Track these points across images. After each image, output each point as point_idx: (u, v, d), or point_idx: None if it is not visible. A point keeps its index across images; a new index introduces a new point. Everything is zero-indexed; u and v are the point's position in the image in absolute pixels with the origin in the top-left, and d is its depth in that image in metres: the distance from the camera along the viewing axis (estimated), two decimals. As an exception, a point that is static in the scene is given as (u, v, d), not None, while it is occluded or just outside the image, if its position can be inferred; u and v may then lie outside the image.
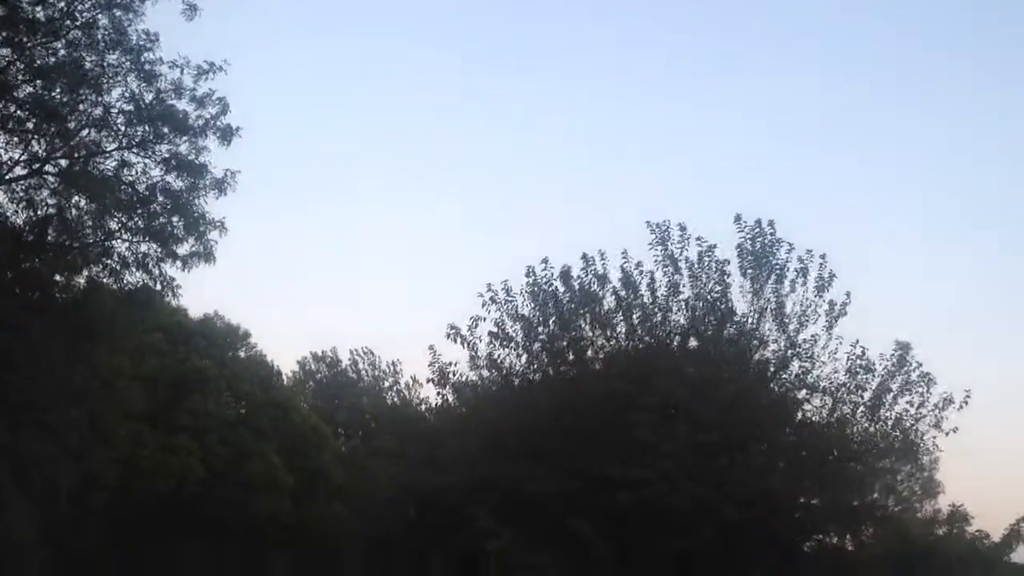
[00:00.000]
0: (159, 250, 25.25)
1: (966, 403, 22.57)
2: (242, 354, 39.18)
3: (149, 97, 24.76)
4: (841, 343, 23.15)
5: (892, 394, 22.90)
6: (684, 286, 23.67)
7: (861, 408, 22.88)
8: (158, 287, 25.65)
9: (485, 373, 24.89)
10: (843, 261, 24.07)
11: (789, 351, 23.37)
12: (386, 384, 43.79)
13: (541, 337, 24.24)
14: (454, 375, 24.93)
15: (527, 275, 24.22)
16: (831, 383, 23.14)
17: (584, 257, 24.14)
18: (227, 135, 25.24)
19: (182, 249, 25.27)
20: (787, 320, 23.35)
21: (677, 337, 23.80)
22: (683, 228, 23.75)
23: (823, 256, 23.40)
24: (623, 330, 24.01)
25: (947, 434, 22.87)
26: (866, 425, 22.88)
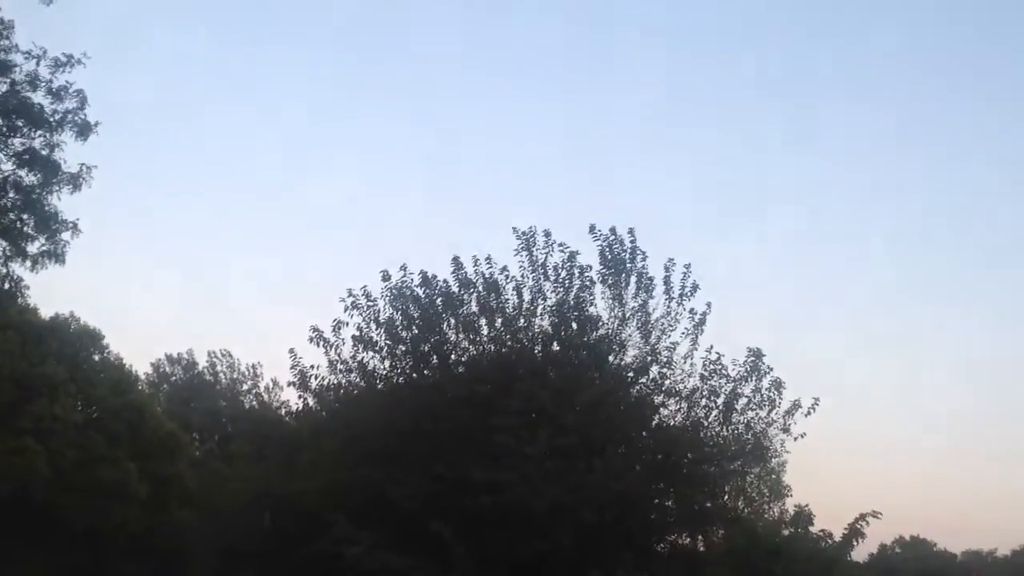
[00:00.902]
0: (8, 248, 24.25)
1: (814, 410, 23.44)
2: (96, 357, 37.91)
3: (3, 88, 23.79)
4: (697, 349, 23.85)
5: (744, 399, 23.61)
6: (548, 292, 24.00)
7: (715, 412, 23.53)
8: (5, 286, 24.63)
9: (348, 377, 24.77)
10: (705, 271, 24.79)
11: (648, 357, 23.89)
12: (245, 387, 42.97)
13: (404, 341, 24.19)
14: (315, 378, 24.77)
15: (384, 279, 24.26)
16: (687, 388, 23.78)
17: (455, 260, 24.29)
18: (84, 131, 24.40)
19: (32, 248, 24.33)
20: (650, 327, 23.89)
21: (540, 342, 24.04)
22: (548, 234, 24.11)
23: (687, 266, 24.10)
24: (487, 334, 24.14)
25: (795, 439, 23.80)
26: (719, 429, 23.55)
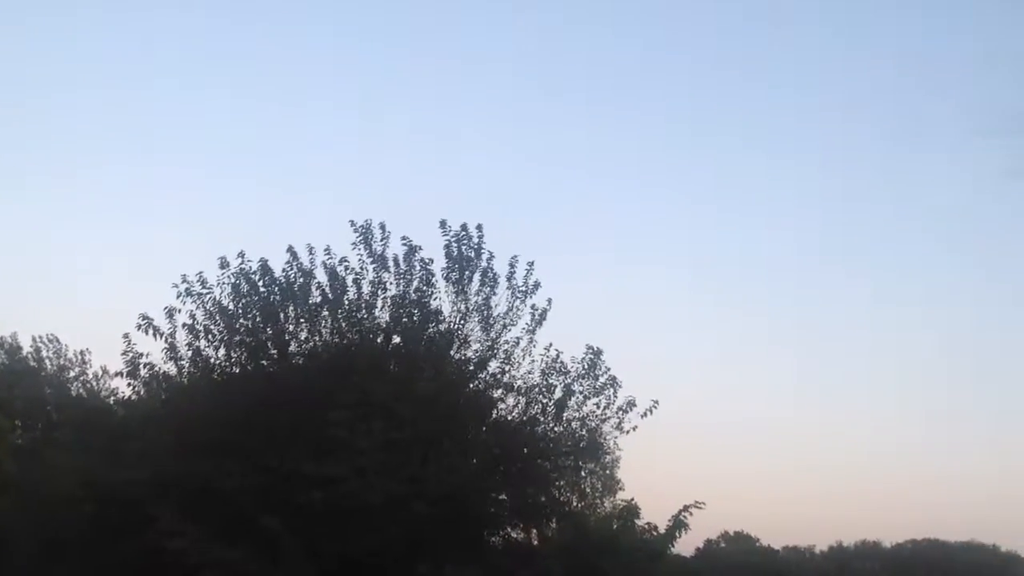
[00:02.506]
0: None
1: (652, 412, 24.11)
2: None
3: None
4: (536, 346, 24.23)
5: (580, 395, 24.06)
6: (390, 284, 23.92)
7: (551, 408, 23.89)
8: None
9: (181, 366, 24.13)
10: (550, 269, 25.23)
11: (488, 352, 24.10)
12: (72, 374, 41.26)
13: (241, 330, 23.71)
14: (146, 367, 24.01)
15: (222, 267, 23.76)
16: (525, 383, 24.07)
17: (290, 250, 23.95)
18: None
19: None
20: (491, 322, 24.09)
21: (381, 334, 23.94)
22: (384, 227, 24.01)
23: (530, 263, 24.40)
24: (328, 326, 23.89)
25: (627, 433, 24.43)
26: (554, 424, 23.95)
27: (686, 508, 22.36)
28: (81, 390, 40.29)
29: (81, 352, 41.95)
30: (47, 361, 41.77)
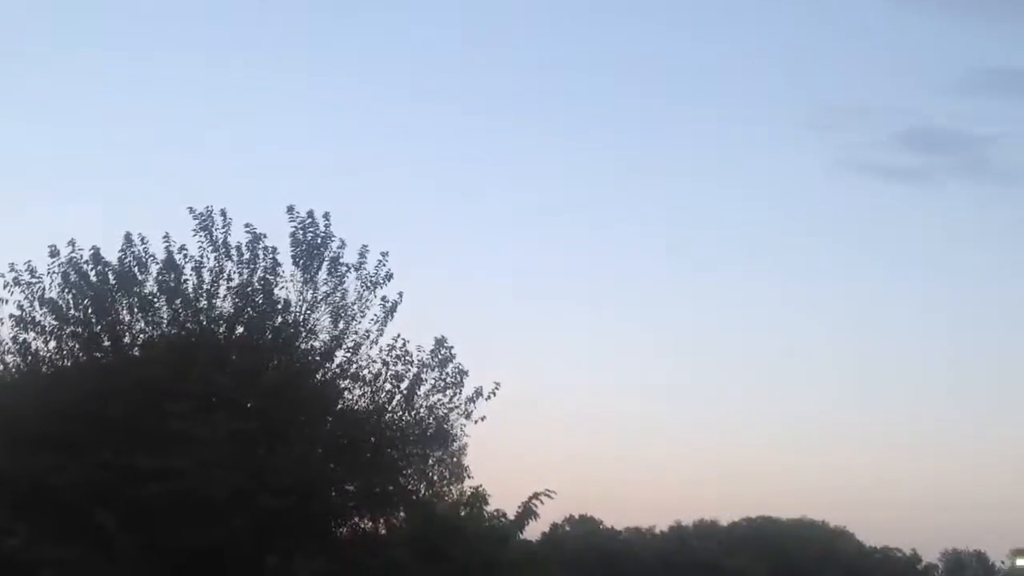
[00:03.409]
0: None
1: (495, 394, 24.33)
2: None
3: None
4: (383, 335, 24.10)
5: (428, 385, 24.10)
6: (233, 273, 23.32)
7: (398, 397, 23.85)
8: None
9: (8, 359, 23.02)
10: (403, 261, 25.12)
11: (335, 342, 23.83)
12: None
13: (72, 321, 22.72)
14: (-32, 360, 22.78)
15: (52, 255, 22.69)
16: (372, 373, 23.91)
17: (127, 238, 23.08)
18: None
19: None
20: (339, 312, 23.80)
21: (223, 324, 23.34)
22: (225, 214, 23.36)
23: (383, 254, 24.22)
24: (166, 316, 23.14)
25: (476, 423, 24.66)
26: (402, 413, 23.90)
27: (536, 496, 22.71)
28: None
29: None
30: None
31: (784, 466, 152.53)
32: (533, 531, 27.73)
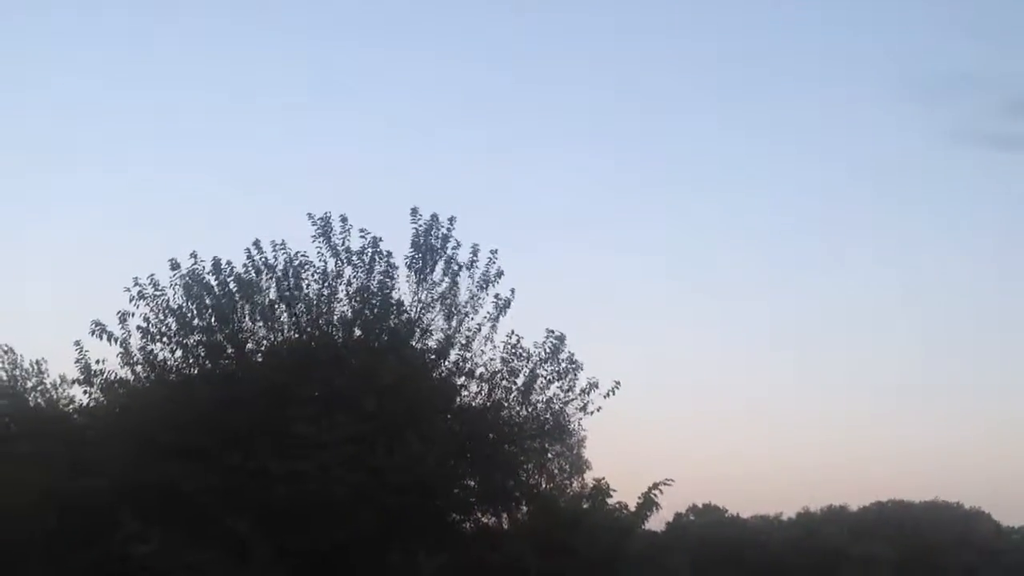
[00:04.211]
0: None
1: (613, 392, 24.28)
2: None
3: None
4: (497, 332, 24.30)
5: (543, 379, 24.10)
6: (350, 277, 23.74)
7: (515, 393, 23.93)
8: None
9: (136, 370, 23.78)
10: (512, 258, 25.26)
11: (450, 340, 24.01)
12: (29, 384, 40.52)
13: (197, 331, 23.39)
14: (102, 373, 23.64)
15: (173, 267, 23.39)
16: (488, 370, 24.04)
17: (256, 244, 23.66)
18: None
19: None
20: (453, 311, 24.03)
21: (341, 328, 23.75)
22: (345, 219, 23.82)
23: (493, 251, 24.43)
24: (287, 322, 23.66)
25: (591, 414, 24.62)
26: (519, 409, 23.98)
27: (656, 486, 22.48)
28: (39, 400, 39.58)
29: (37, 362, 41.22)
30: (2, 372, 41.02)
31: (914, 448, 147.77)
32: (656, 522, 27.51)
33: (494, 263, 24.39)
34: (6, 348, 42.16)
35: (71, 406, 35.58)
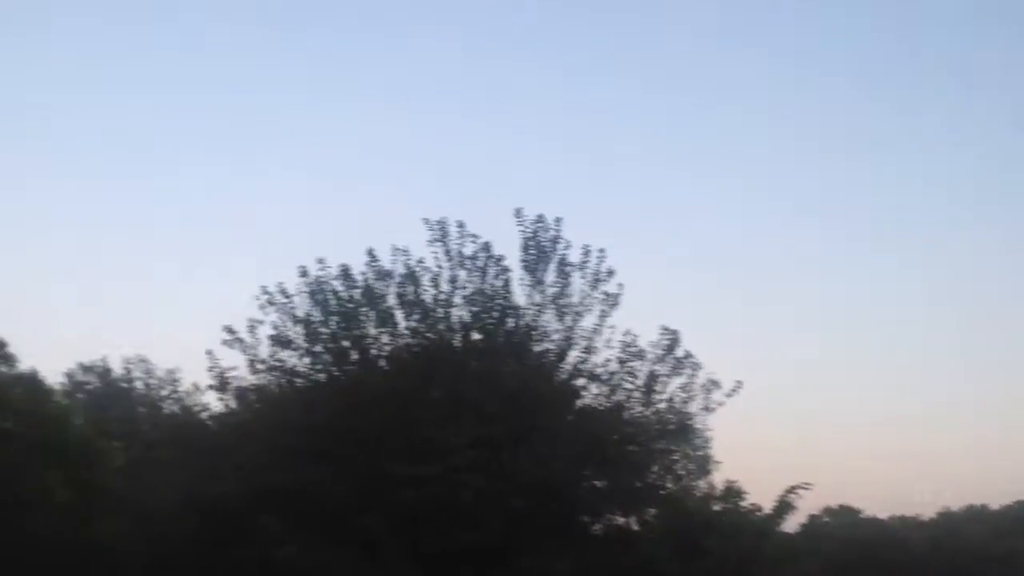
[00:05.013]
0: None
1: (736, 391, 23.89)
2: (3, 368, 36.89)
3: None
4: (614, 332, 23.94)
5: (663, 378, 23.78)
6: (466, 281, 23.84)
7: (636, 393, 23.64)
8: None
9: (267, 377, 24.37)
10: (618, 254, 24.92)
11: (567, 342, 23.89)
12: (164, 392, 42.10)
13: (323, 338, 23.83)
14: (233, 380, 24.31)
15: (301, 275, 23.88)
16: (606, 371, 23.81)
17: (370, 252, 23.98)
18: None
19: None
20: (566, 312, 23.91)
21: (459, 332, 23.87)
22: (461, 225, 23.94)
23: (602, 250, 24.17)
24: (406, 327, 23.89)
25: (712, 411, 24.21)
26: (641, 409, 23.67)
27: (793, 489, 21.93)
28: (174, 407, 41.08)
29: (171, 370, 42.83)
30: (138, 382, 42.71)
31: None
32: (790, 524, 26.84)
33: (603, 261, 24.17)
34: (140, 358, 44.09)
35: (204, 413, 36.84)
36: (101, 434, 37.05)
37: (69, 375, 42.44)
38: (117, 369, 42.78)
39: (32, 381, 36.90)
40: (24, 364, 37.32)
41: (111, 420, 39.65)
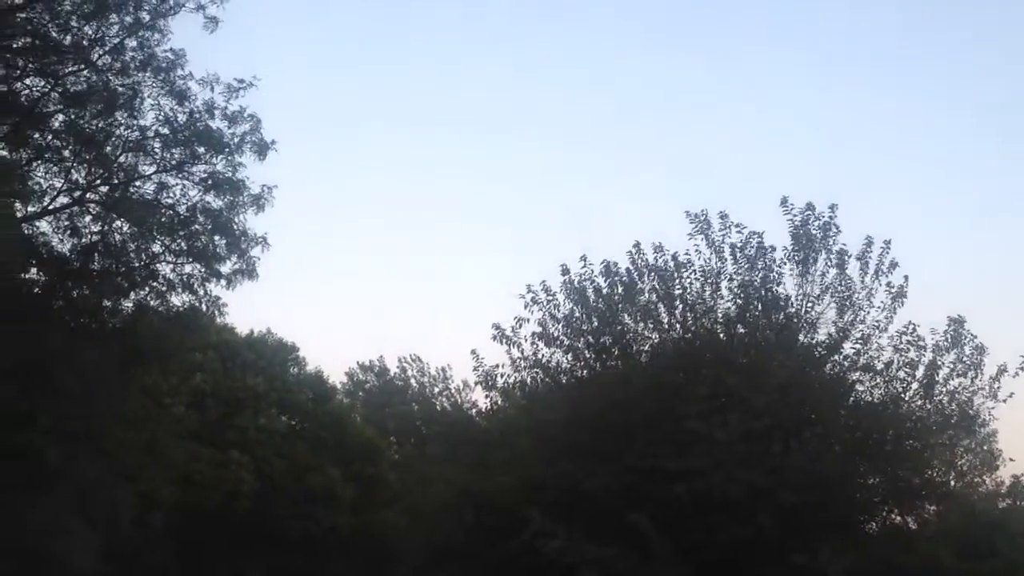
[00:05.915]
0: (203, 270, 25.69)
1: (1023, 369, 22.10)
2: (294, 369, 39.66)
3: (182, 118, 25.20)
4: (893, 323, 22.94)
5: (945, 369, 22.51)
6: (729, 274, 23.55)
7: (915, 385, 22.53)
8: (204, 307, 26.10)
9: (531, 374, 24.98)
10: (899, 241, 23.81)
11: (841, 334, 23.08)
12: (436, 390, 44.04)
13: (585, 334, 24.19)
14: (501, 377, 25.05)
15: (563, 273, 24.30)
16: (882, 363, 22.83)
17: (636, 245, 24.11)
18: (263, 150, 25.69)
19: (225, 267, 25.72)
20: (844, 304, 23.11)
21: (724, 325, 23.58)
22: (724, 216, 23.64)
23: (886, 242, 23.23)
24: (668, 321, 23.86)
25: (1004, 401, 22.63)
26: (920, 402, 22.53)
27: None
28: (446, 404, 42.87)
29: (442, 368, 44.77)
30: (412, 380, 44.89)
31: None
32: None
33: (887, 253, 23.09)
34: (414, 357, 46.35)
35: (473, 409, 38.28)
36: (378, 431, 39.22)
37: (350, 374, 45.28)
38: (393, 368, 45.20)
39: (317, 382, 39.61)
40: (311, 366, 40.09)
41: (388, 416, 41.93)
